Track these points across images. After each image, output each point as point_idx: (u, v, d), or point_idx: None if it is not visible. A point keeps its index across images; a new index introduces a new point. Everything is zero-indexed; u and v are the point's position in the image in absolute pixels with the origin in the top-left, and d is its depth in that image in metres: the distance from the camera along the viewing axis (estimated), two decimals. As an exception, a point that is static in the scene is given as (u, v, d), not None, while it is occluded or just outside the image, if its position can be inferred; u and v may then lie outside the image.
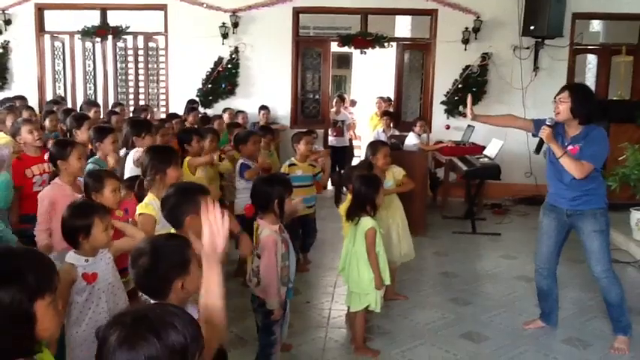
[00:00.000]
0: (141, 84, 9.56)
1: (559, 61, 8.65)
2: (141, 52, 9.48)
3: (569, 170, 3.59)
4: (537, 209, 7.95)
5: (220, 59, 8.93)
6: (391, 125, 8.33)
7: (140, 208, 3.11)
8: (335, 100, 9.22)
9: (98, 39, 9.33)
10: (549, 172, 3.88)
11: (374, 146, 4.57)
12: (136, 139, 4.34)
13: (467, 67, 8.67)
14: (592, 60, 9.75)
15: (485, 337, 3.96)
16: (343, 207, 3.78)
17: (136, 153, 4.13)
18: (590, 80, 10.08)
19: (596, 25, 10.27)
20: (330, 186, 8.17)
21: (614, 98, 8.41)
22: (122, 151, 4.39)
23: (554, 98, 3.69)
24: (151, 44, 9.46)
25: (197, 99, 8.81)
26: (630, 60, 8.59)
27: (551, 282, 3.99)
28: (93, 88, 9.77)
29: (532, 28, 8.20)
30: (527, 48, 8.59)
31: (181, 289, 1.85)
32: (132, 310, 1.37)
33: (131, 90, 9.62)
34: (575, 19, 8.65)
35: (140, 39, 9.43)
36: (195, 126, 6.62)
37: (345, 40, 8.96)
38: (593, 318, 4.22)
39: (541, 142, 3.78)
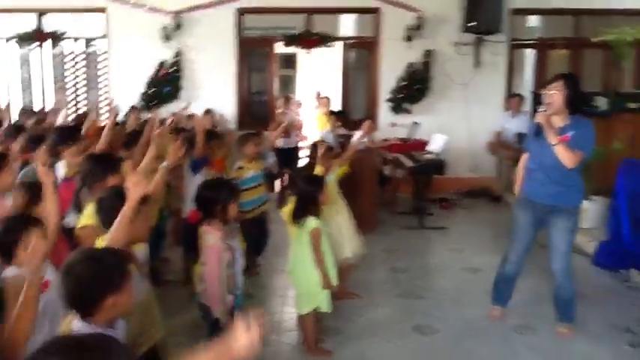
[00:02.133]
0: (82, 90, 9.28)
1: (499, 56, 8.88)
2: (80, 57, 9.20)
3: (563, 159, 3.54)
4: (482, 202, 8.25)
5: (163, 62, 8.78)
6: (338, 124, 8.35)
7: (83, 219, 2.99)
8: (281, 101, 9.18)
9: (34, 44, 9.01)
10: (531, 163, 3.85)
11: (314, 147, 4.57)
12: (62, 149, 4.06)
13: (410, 64, 8.79)
14: (530, 54, 10.03)
15: (436, 330, 4.03)
16: (286, 210, 3.76)
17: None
18: (528, 74, 10.38)
19: (533, 21, 10.57)
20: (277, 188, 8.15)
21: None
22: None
23: (545, 88, 3.67)
24: (90, 49, 9.21)
25: (137, 105, 8.59)
26: (565, 53, 8.90)
27: (518, 271, 4.06)
28: (30, 95, 9.43)
29: (472, 24, 8.39)
30: (468, 44, 8.78)
31: (112, 307, 1.77)
32: (66, 336, 1.31)
33: (71, 97, 9.32)
34: (513, 14, 8.90)
35: (79, 43, 9.16)
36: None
37: (289, 40, 8.95)
38: (541, 304, 4.32)
39: (539, 127, 3.65)
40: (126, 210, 2.25)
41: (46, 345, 1.25)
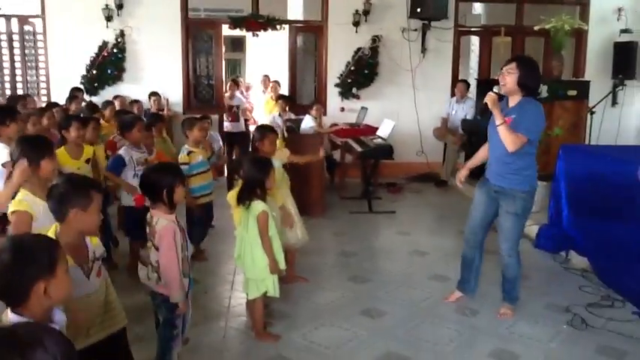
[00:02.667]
0: (18, 71, 8.87)
1: (445, 42, 9.01)
2: (15, 36, 8.78)
3: (504, 140, 3.58)
4: (429, 186, 8.38)
5: (105, 43, 8.47)
6: (287, 109, 8.30)
7: (13, 205, 2.84)
8: (229, 85, 9.05)
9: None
10: (489, 144, 3.88)
11: (261, 131, 4.37)
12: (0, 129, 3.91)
13: (358, 49, 8.81)
14: (475, 41, 10.22)
15: (384, 313, 4.07)
16: (232, 194, 3.70)
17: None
18: (473, 60, 10.59)
19: (477, 8, 10.76)
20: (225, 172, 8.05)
21: (496, 77, 8.86)
22: None
23: (501, 69, 3.70)
24: (27, 28, 8.79)
25: (81, 87, 8.30)
26: (509, 40, 9.09)
27: (475, 252, 4.10)
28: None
29: (419, 10, 8.46)
30: (415, 30, 8.86)
31: (44, 295, 1.67)
32: None
33: (7, 78, 8.90)
34: (459, 1, 9.03)
35: (14, 21, 8.73)
36: (82, 115, 6.25)
37: (236, 23, 8.78)
38: (485, 286, 4.39)
39: (485, 108, 3.69)
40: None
41: None
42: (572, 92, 7.56)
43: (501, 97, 3.79)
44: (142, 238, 3.09)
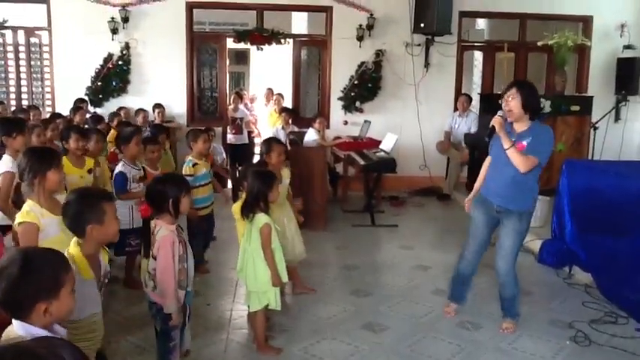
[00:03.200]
0: (23, 82, 8.93)
1: (448, 57, 9.04)
2: (22, 48, 8.85)
3: (515, 163, 3.61)
4: (431, 200, 8.37)
5: (110, 55, 8.53)
6: (290, 122, 8.34)
7: (20, 217, 2.86)
8: (232, 97, 9.09)
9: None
10: (491, 165, 3.92)
11: (268, 144, 4.48)
12: (6, 140, 3.94)
13: (362, 63, 8.85)
14: (478, 56, 10.27)
15: (386, 327, 4.05)
16: (236, 206, 3.71)
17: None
18: (476, 76, 10.64)
19: (481, 23, 10.82)
20: (229, 185, 8.07)
21: (500, 93, 8.89)
22: None
23: (503, 96, 3.73)
24: (33, 40, 8.86)
25: (85, 98, 8.36)
26: (512, 56, 9.14)
27: (473, 269, 4.12)
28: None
29: (422, 25, 8.51)
30: (419, 45, 8.91)
31: (44, 314, 1.68)
32: (14, 344, 1.22)
33: (12, 90, 8.95)
34: (462, 17, 9.07)
35: (20, 34, 8.80)
36: (87, 126, 6.28)
37: (241, 36, 8.84)
38: (486, 301, 4.41)
39: (492, 130, 3.75)
40: None
41: None
42: (575, 108, 7.59)
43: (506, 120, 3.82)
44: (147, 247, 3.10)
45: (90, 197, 2.42)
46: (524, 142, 3.66)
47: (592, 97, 8.03)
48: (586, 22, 9.35)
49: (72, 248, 2.35)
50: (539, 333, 3.98)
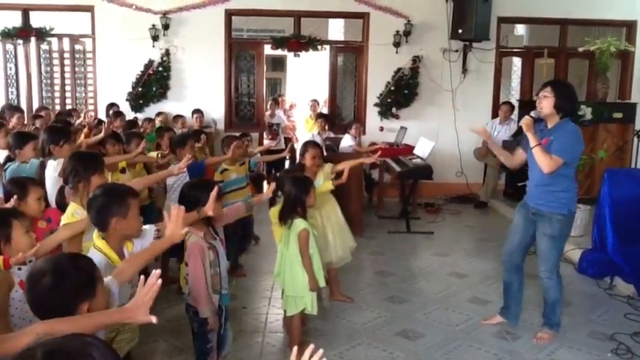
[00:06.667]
0: (67, 88, 9.20)
1: (486, 63, 8.94)
2: (67, 54, 9.12)
3: (539, 162, 3.61)
4: (468, 207, 8.28)
5: (151, 62, 8.72)
6: (326, 128, 8.36)
7: (65, 219, 2.95)
8: (269, 103, 9.17)
9: (20, 41, 8.91)
10: (528, 167, 3.91)
11: (303, 146, 4.59)
12: (53, 148, 3.98)
13: (399, 69, 8.83)
14: (517, 62, 10.13)
15: (421, 335, 4.02)
16: (274, 211, 3.75)
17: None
18: (515, 82, 10.49)
19: (520, 29, 10.68)
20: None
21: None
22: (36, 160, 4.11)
23: (537, 94, 3.73)
24: (77, 47, 9.13)
25: (116, 102, 8.52)
26: (552, 62, 8.98)
27: (512, 276, 4.05)
28: (15, 92, 9.31)
29: (460, 31, 8.44)
30: (456, 51, 8.84)
31: (86, 312, 1.73)
32: (44, 342, 1.21)
33: (57, 94, 9.24)
34: (501, 22, 8.97)
35: (66, 41, 9.07)
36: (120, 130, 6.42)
37: (278, 43, 8.93)
38: (527, 310, 4.33)
39: (520, 130, 3.77)
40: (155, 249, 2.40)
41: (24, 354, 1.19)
42: (618, 115, 7.42)
43: (540, 120, 3.78)
44: (181, 252, 3.16)
45: (116, 191, 2.49)
46: (548, 138, 3.65)
47: (635, 103, 7.83)
48: (630, 26, 9.12)
49: (97, 241, 2.41)
50: (579, 345, 3.90)
